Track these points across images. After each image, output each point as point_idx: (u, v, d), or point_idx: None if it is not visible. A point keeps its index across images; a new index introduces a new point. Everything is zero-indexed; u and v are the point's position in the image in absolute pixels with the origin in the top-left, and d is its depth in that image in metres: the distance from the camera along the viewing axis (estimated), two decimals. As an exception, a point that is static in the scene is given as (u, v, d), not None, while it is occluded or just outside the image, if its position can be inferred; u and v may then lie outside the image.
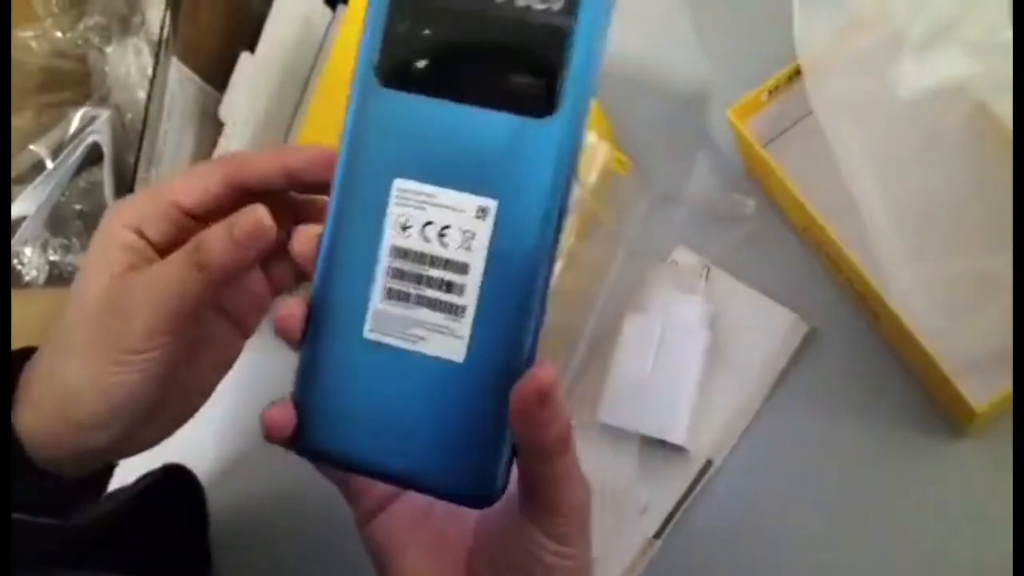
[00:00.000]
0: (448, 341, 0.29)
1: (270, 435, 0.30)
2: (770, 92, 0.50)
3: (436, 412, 0.29)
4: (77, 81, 0.63)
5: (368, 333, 0.30)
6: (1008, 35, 0.46)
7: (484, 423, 0.29)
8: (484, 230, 0.29)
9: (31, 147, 0.58)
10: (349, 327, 0.30)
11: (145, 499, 0.51)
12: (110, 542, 0.46)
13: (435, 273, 0.29)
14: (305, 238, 0.31)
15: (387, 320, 0.30)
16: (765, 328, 0.51)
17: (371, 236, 0.30)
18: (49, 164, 0.56)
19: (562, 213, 0.29)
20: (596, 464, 0.50)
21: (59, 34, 0.64)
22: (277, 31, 0.61)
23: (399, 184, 0.29)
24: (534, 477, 0.29)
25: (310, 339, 0.30)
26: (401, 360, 0.30)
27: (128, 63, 0.61)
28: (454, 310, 0.29)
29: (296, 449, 0.31)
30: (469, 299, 0.29)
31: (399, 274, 0.30)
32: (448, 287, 0.29)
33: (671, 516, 0.49)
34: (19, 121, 0.60)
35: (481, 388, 0.29)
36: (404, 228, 0.29)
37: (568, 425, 0.28)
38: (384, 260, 0.30)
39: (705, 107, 0.57)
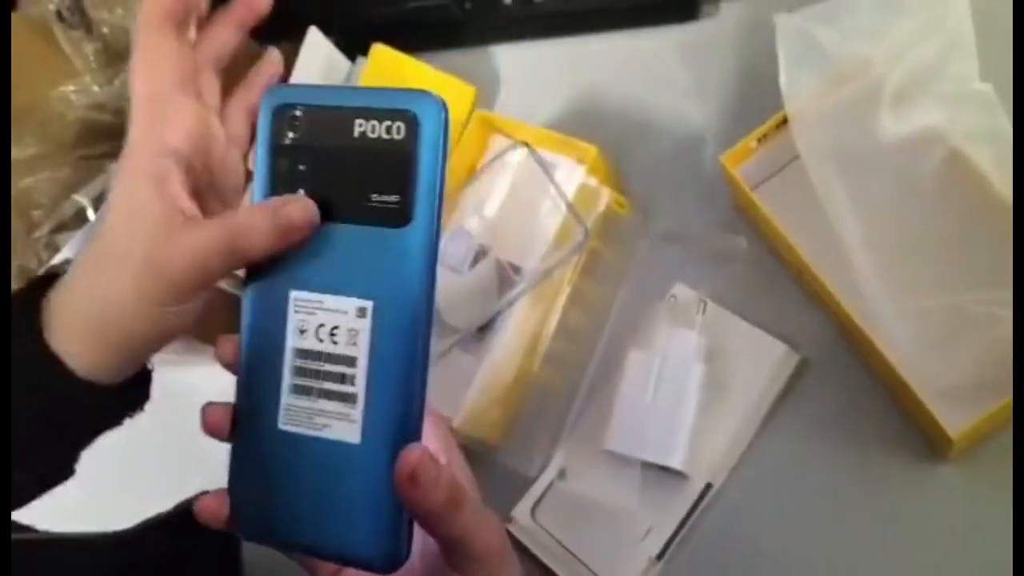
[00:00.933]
0: (345, 426, 0.34)
1: (205, 522, 0.35)
2: (759, 140, 0.53)
3: (340, 489, 0.34)
4: (114, 134, 0.67)
5: (282, 425, 0.35)
6: (977, 86, 0.49)
7: (381, 496, 0.33)
8: (365, 326, 0.34)
9: (74, 196, 0.62)
10: (266, 422, 0.35)
11: (180, 528, 0.54)
12: (145, 572, 0.49)
13: (329, 367, 0.34)
14: (227, 346, 0.35)
15: (296, 412, 0.34)
16: (758, 359, 0.54)
17: (277, 341, 0.35)
18: (91, 213, 0.60)
19: (430, 302, 0.34)
20: (602, 489, 0.54)
21: (96, 88, 0.68)
22: (300, 82, 0.65)
23: (295, 295, 0.34)
24: (440, 537, 0.33)
25: (236, 435, 0.35)
26: (309, 446, 0.34)
27: (162, 116, 0.64)
28: (347, 398, 0.34)
29: (234, 531, 0.35)
30: (359, 387, 0.34)
31: (302, 372, 0.34)
32: (341, 378, 0.34)
33: (673, 538, 0.52)
34: (60, 173, 0.64)
35: (375, 464, 0.33)
36: (302, 332, 0.34)
37: (451, 489, 0.32)
38: (288, 361, 0.34)
39: (701, 151, 0.60)
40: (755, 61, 0.60)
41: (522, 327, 0.56)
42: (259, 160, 0.35)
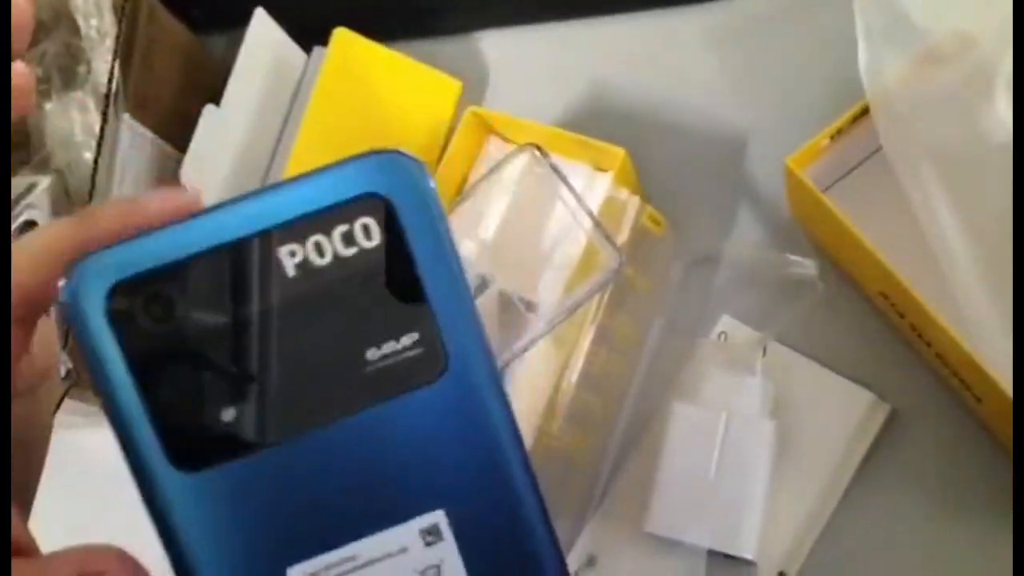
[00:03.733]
0: None
1: None
2: (832, 137, 0.43)
3: None
4: (14, 143, 0.54)
5: None
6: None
7: None
8: (448, 552, 0.21)
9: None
10: None
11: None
12: None
13: None
14: None
15: None
16: (837, 411, 0.43)
17: None
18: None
19: (525, 460, 0.21)
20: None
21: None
22: (244, 79, 0.53)
23: (297, 573, 0.21)
24: None
25: None
26: None
27: (72, 120, 0.52)
28: None
29: None
30: None
31: None
32: None
33: (739, 643, 0.41)
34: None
35: None
36: None
37: None
38: None
39: (741, 154, 0.50)
40: (803, 44, 0.50)
41: (537, 378, 0.44)
42: (112, 395, 0.20)
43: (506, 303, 0.46)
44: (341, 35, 0.52)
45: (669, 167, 0.51)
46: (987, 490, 0.42)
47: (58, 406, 0.55)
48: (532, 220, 0.47)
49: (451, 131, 0.52)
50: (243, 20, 0.54)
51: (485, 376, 0.21)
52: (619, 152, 0.45)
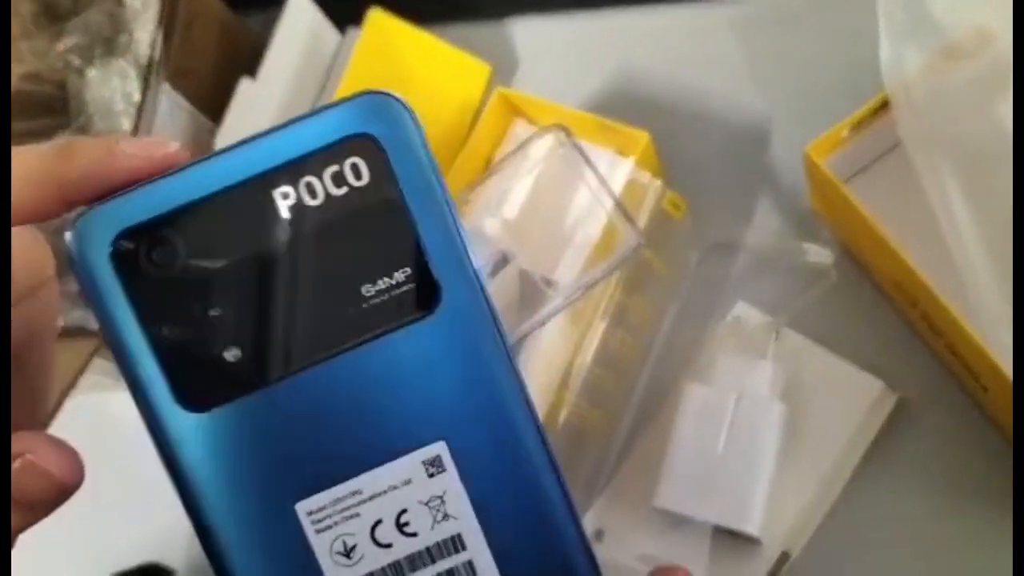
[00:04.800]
0: None
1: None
2: (852, 127, 0.44)
3: None
4: (54, 109, 0.56)
5: None
6: None
7: None
8: (451, 482, 0.22)
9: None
10: None
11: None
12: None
13: (426, 574, 0.22)
14: None
15: None
16: (846, 398, 0.44)
17: None
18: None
19: (526, 396, 0.22)
20: (651, 558, 0.44)
21: (34, 55, 0.57)
22: (280, 55, 0.55)
23: (305, 507, 0.22)
24: None
25: None
26: None
27: (112, 88, 0.54)
28: None
29: None
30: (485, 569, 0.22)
31: None
32: None
33: (740, 619, 0.42)
34: None
35: None
36: (348, 553, 0.22)
37: None
38: None
39: (765, 143, 0.51)
40: (826, 36, 0.51)
41: (553, 353, 0.45)
42: (119, 339, 0.21)
43: (526, 280, 0.47)
44: (375, 16, 0.54)
45: (691, 154, 0.52)
46: (992, 481, 0.42)
47: (85, 365, 0.56)
48: (555, 200, 0.48)
49: (479, 113, 0.53)
50: (280, -1, 0.56)
51: (478, 308, 0.22)
52: (642, 136, 0.46)
